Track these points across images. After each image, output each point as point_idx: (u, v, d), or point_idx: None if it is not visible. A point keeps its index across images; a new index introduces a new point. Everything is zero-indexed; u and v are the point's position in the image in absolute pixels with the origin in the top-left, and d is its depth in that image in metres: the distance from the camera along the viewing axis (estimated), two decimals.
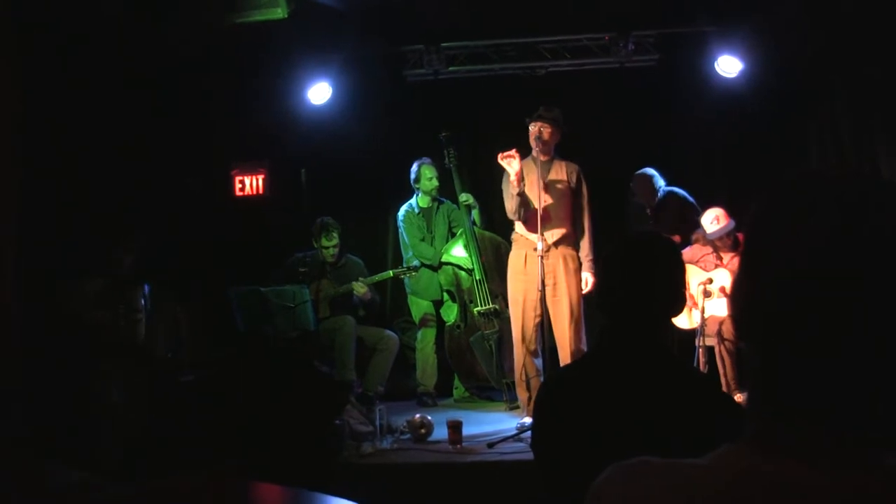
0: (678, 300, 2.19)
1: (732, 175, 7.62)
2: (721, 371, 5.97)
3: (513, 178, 5.69)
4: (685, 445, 1.09)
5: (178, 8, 6.14)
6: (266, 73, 7.28)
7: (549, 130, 5.88)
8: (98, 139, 6.35)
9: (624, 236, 2.43)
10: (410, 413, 5.94)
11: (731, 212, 6.23)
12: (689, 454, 0.94)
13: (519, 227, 5.95)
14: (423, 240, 7.10)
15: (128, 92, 6.61)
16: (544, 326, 5.76)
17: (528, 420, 5.58)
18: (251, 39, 6.61)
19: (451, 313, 7.12)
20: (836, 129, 7.05)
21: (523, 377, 5.87)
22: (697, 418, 1.94)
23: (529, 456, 3.13)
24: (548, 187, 5.85)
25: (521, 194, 5.73)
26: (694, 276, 6.08)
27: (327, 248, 6.83)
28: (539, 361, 5.86)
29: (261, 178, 7.92)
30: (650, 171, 7.11)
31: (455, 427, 5.32)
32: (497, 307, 6.83)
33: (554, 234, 5.82)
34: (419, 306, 7.23)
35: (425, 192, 7.06)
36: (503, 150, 5.72)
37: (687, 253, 6.25)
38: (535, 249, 5.66)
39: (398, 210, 7.23)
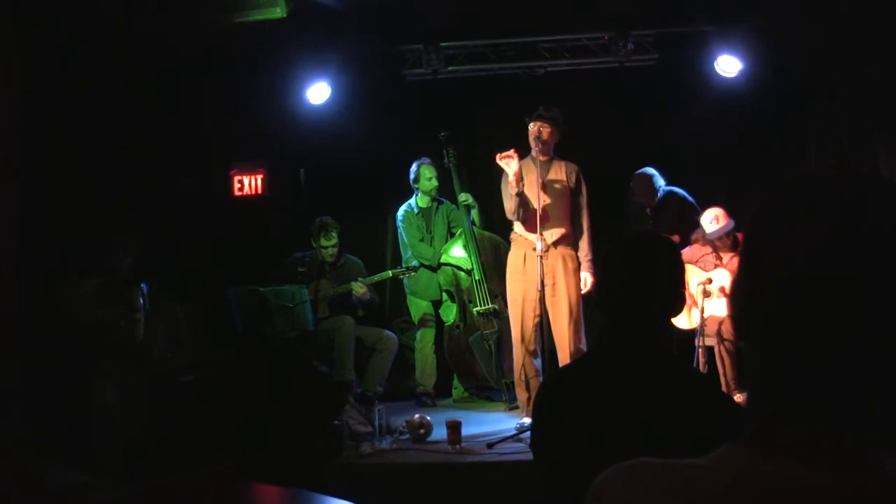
0: (678, 300, 2.19)
1: (732, 175, 7.62)
2: (720, 371, 5.97)
3: (511, 178, 5.69)
4: (685, 446, 1.09)
5: (177, 7, 6.13)
6: (265, 72, 7.28)
7: (549, 130, 5.87)
8: (98, 139, 6.34)
9: (623, 236, 2.43)
10: (409, 413, 5.93)
11: (731, 212, 6.23)
12: (689, 454, 0.93)
13: (518, 227, 5.95)
14: (422, 240, 7.09)
15: (128, 92, 6.61)
16: (543, 326, 5.75)
17: (527, 420, 5.57)
18: (250, 39, 6.61)
19: (450, 313, 7.12)
20: (835, 129, 7.05)
21: (522, 377, 5.86)
22: (697, 418, 1.94)
23: (529, 456, 3.13)
24: (547, 187, 5.84)
25: (520, 194, 5.73)
26: (693, 276, 6.08)
27: (326, 247, 6.83)
28: (538, 362, 5.85)
29: (260, 177, 7.92)
30: (650, 170, 7.11)
31: (454, 427, 5.32)
32: (496, 307, 6.82)
33: (553, 234, 5.81)
34: (418, 306, 7.22)
35: (425, 192, 7.06)
36: (502, 150, 5.72)
37: (686, 253, 6.25)
38: (535, 249, 5.65)
39: (397, 210, 7.23)
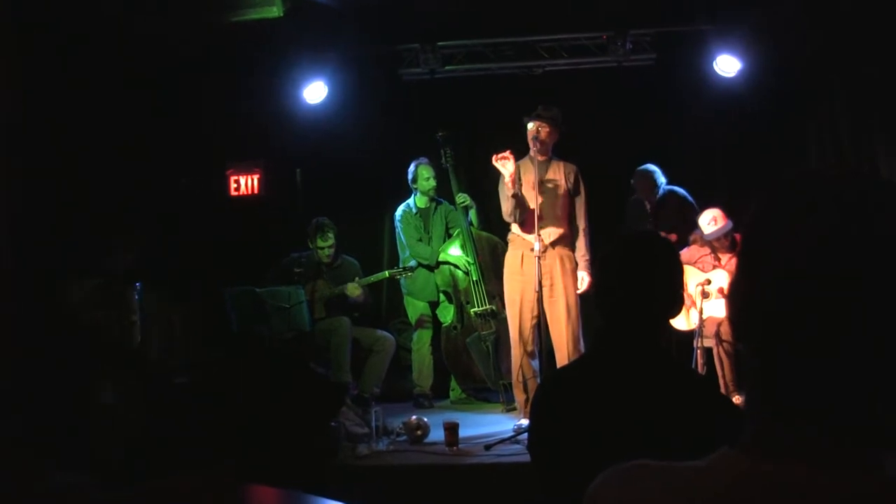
0: (677, 301, 2.19)
1: (731, 175, 7.62)
2: (719, 372, 5.97)
3: (507, 179, 5.69)
4: (683, 447, 1.08)
5: (176, 7, 6.12)
6: (261, 71, 7.27)
7: (548, 130, 5.87)
8: (98, 139, 6.33)
9: (622, 236, 2.43)
10: (407, 415, 5.93)
11: (730, 212, 6.23)
12: (688, 456, 0.93)
13: (515, 227, 5.95)
14: (420, 240, 7.08)
15: (127, 92, 6.60)
16: (541, 327, 5.75)
17: (524, 422, 5.56)
18: (246, 38, 6.60)
19: (447, 314, 7.11)
20: (834, 129, 7.05)
21: (520, 378, 5.86)
22: (696, 420, 1.94)
23: (526, 458, 3.12)
24: (544, 187, 5.84)
25: (516, 196, 5.73)
26: (692, 278, 6.07)
27: (323, 248, 6.82)
28: (536, 363, 5.85)
29: (256, 177, 7.91)
30: (652, 167, 7.12)
31: (451, 429, 5.31)
32: (494, 308, 6.81)
33: (551, 235, 5.81)
34: (415, 307, 7.22)
35: (423, 193, 7.05)
36: (500, 150, 5.72)
37: (685, 254, 6.25)
38: (532, 250, 5.65)
39: (394, 210, 7.23)
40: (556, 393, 2.27)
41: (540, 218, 5.66)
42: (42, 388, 4.98)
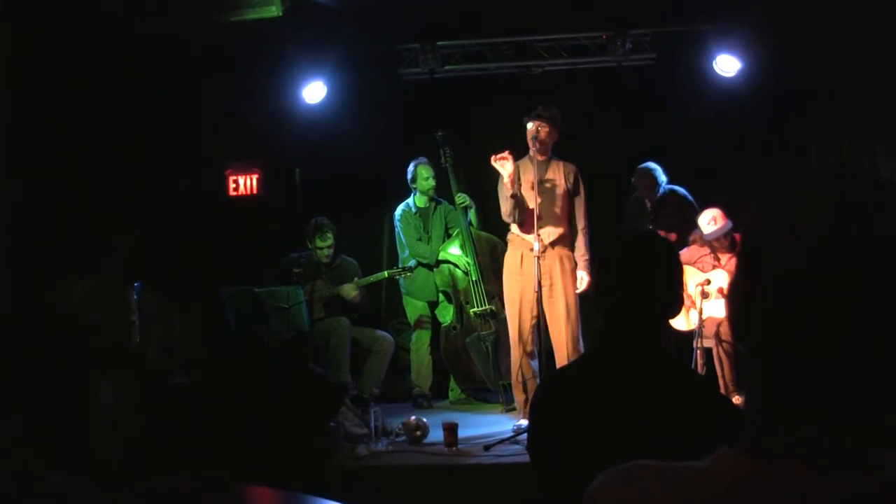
0: (676, 301, 2.18)
1: (731, 175, 7.62)
2: (719, 373, 5.96)
3: (506, 180, 5.68)
4: (683, 447, 1.08)
5: (176, 7, 6.12)
6: (260, 71, 7.27)
7: (547, 130, 5.86)
8: (97, 139, 6.33)
9: (622, 236, 2.42)
10: (406, 415, 5.92)
11: (730, 212, 6.22)
12: (687, 456, 0.93)
13: (515, 227, 5.94)
14: (419, 240, 7.07)
15: (127, 92, 6.60)
16: (541, 327, 5.75)
17: (524, 422, 5.56)
18: (245, 38, 6.60)
19: (447, 314, 7.10)
20: (834, 129, 7.05)
21: (520, 379, 5.86)
22: (695, 420, 1.93)
23: (526, 458, 3.12)
24: (544, 187, 5.83)
25: (515, 196, 5.72)
26: (691, 278, 6.07)
27: (322, 248, 6.82)
28: (535, 363, 5.85)
29: (255, 177, 7.90)
30: (653, 165, 7.11)
31: (451, 429, 5.31)
32: (493, 308, 6.81)
33: (550, 235, 5.80)
34: (414, 307, 7.21)
35: (422, 192, 7.04)
36: (499, 150, 5.71)
37: (685, 254, 6.25)
38: (532, 250, 5.64)
39: (394, 210, 7.22)
40: (555, 393, 2.27)
41: (539, 218, 5.65)
42: (42, 388, 4.98)
